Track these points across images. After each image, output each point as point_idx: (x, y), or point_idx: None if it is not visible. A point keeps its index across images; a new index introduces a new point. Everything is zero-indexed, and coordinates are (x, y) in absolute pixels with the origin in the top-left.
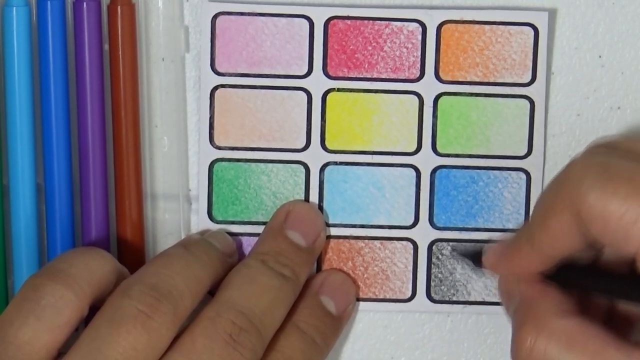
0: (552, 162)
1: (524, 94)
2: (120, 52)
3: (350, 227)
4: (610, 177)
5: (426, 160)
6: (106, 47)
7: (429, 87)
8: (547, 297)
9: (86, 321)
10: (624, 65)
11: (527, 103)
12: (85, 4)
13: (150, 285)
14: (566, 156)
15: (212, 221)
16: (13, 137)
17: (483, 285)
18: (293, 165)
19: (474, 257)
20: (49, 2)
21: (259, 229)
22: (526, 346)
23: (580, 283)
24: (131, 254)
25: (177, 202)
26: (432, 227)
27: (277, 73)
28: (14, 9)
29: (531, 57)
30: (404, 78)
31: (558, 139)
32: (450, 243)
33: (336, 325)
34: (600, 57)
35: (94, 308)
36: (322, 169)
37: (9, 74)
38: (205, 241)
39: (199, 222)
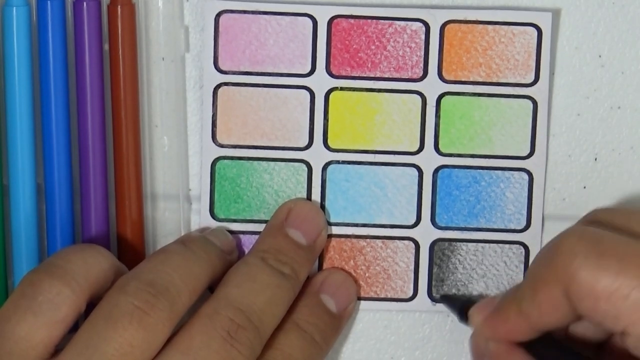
0: (552, 162)
1: (526, 94)
2: (120, 52)
3: (352, 226)
4: (601, 253)
5: (428, 160)
6: (106, 47)
7: (431, 86)
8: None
9: (85, 318)
10: (624, 65)
11: (529, 103)
12: (85, 4)
13: (147, 282)
14: (566, 156)
15: (214, 219)
16: (13, 137)
17: (484, 285)
18: (295, 164)
19: (460, 310)
20: (49, 2)
21: (261, 227)
22: None
23: (552, 355)
24: (131, 254)
25: (177, 202)
26: (434, 226)
27: (280, 71)
28: (14, 9)
29: (534, 58)
30: (406, 77)
31: (558, 139)
32: (441, 292)
33: (336, 324)
34: (600, 56)
35: (93, 305)
36: (324, 168)
37: (9, 74)
38: (204, 238)
39: (201, 219)
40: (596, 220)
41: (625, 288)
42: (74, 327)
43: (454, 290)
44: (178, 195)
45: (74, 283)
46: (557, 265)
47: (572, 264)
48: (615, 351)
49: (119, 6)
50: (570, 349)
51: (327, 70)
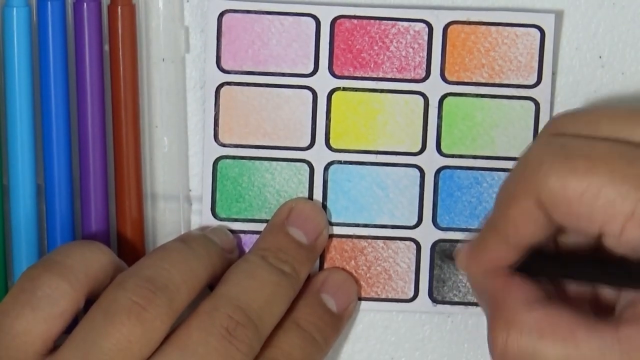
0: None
1: (529, 95)
2: (120, 53)
3: (353, 226)
4: (567, 156)
5: (430, 161)
6: (106, 47)
7: (434, 87)
8: (512, 290)
9: (84, 314)
10: (624, 66)
11: (532, 105)
12: (85, 4)
13: (146, 278)
14: None
15: (216, 218)
16: (13, 137)
17: None
18: (297, 164)
19: (450, 257)
20: (49, 2)
21: (262, 227)
22: (500, 343)
23: (549, 271)
24: (131, 254)
25: (177, 202)
26: (436, 227)
27: (282, 71)
28: (14, 9)
29: (537, 59)
30: (409, 78)
31: None
32: (442, 245)
33: (336, 323)
34: (600, 57)
35: (92, 301)
36: (326, 168)
37: (9, 74)
38: (205, 236)
39: (202, 219)
40: (559, 131)
41: (595, 186)
42: (73, 324)
43: (454, 292)
44: (178, 196)
45: (72, 278)
46: (526, 177)
47: (539, 171)
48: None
49: (119, 6)
50: (565, 258)
51: (329, 71)
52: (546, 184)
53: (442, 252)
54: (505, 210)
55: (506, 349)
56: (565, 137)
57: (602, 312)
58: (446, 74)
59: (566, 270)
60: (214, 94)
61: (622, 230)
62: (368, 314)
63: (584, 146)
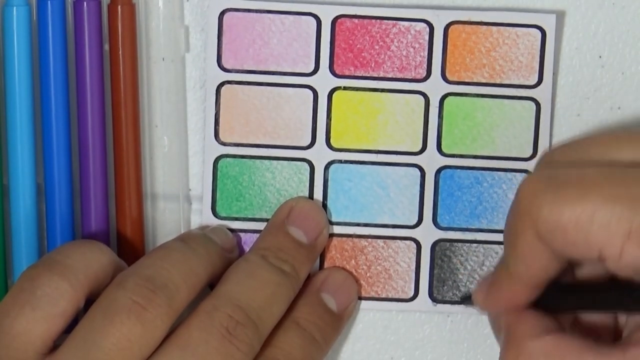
0: None
1: (530, 95)
2: (120, 52)
3: (353, 225)
4: (558, 186)
5: (431, 160)
6: (106, 47)
7: (435, 87)
8: (523, 322)
9: (84, 314)
10: (624, 66)
11: (533, 105)
12: (85, 4)
13: (146, 277)
14: None
15: (216, 217)
16: (13, 137)
17: None
18: (298, 163)
19: (470, 300)
20: (49, 2)
21: (262, 226)
22: None
23: (565, 306)
24: (131, 254)
25: (177, 202)
26: (436, 227)
27: (283, 70)
28: (14, 8)
29: (538, 59)
30: (410, 78)
31: (558, 139)
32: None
33: (337, 323)
34: (600, 57)
35: (92, 301)
36: (326, 167)
37: (9, 74)
38: (205, 236)
39: (203, 218)
40: (551, 161)
41: (589, 211)
42: (74, 324)
43: (455, 291)
44: (178, 195)
45: (72, 278)
46: (522, 213)
47: (533, 205)
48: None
49: (119, 6)
50: (578, 288)
51: (330, 70)
52: (541, 215)
53: (463, 296)
54: (512, 249)
55: None
56: (555, 169)
57: (617, 338)
58: (447, 74)
59: (580, 301)
60: (214, 92)
61: (621, 252)
62: (367, 314)
63: (574, 173)
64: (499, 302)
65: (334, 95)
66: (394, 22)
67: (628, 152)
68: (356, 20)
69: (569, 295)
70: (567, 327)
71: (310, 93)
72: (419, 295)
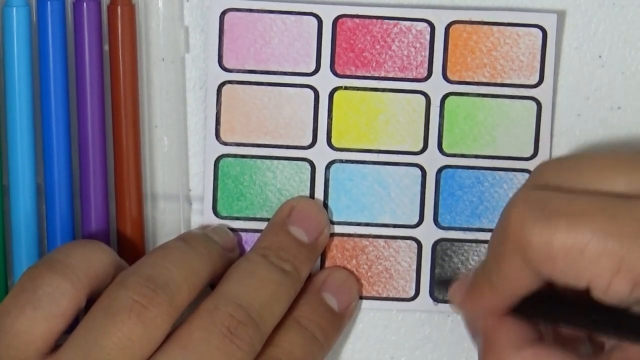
0: None
1: (531, 95)
2: (120, 53)
3: (354, 225)
4: (549, 215)
5: (432, 160)
6: (106, 47)
7: (436, 86)
8: (503, 332)
9: (85, 314)
10: (624, 66)
11: (534, 105)
12: (85, 4)
13: (147, 277)
14: None
15: (217, 217)
16: (13, 137)
17: None
18: (299, 163)
19: (447, 288)
20: (49, 2)
21: (263, 226)
22: None
23: (541, 315)
24: (131, 254)
25: (177, 202)
26: (437, 226)
27: (284, 70)
28: (14, 9)
29: (539, 59)
30: (411, 77)
31: (558, 139)
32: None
33: (338, 322)
34: (600, 57)
35: (93, 301)
36: (327, 167)
37: (9, 74)
38: (205, 235)
39: (204, 217)
40: (542, 182)
41: (579, 244)
42: (74, 323)
43: None
44: (178, 196)
45: (73, 277)
46: (510, 237)
47: (522, 232)
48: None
49: (119, 6)
50: (557, 301)
51: (331, 70)
52: (530, 243)
53: (439, 280)
54: (497, 268)
55: None
56: (545, 193)
57: (597, 349)
58: (448, 74)
59: (557, 316)
60: (215, 92)
61: (609, 285)
62: (368, 314)
63: (565, 203)
64: (478, 307)
65: (335, 95)
66: (395, 21)
67: (622, 181)
68: (357, 20)
69: (549, 308)
70: (547, 333)
71: (311, 93)
72: (419, 295)
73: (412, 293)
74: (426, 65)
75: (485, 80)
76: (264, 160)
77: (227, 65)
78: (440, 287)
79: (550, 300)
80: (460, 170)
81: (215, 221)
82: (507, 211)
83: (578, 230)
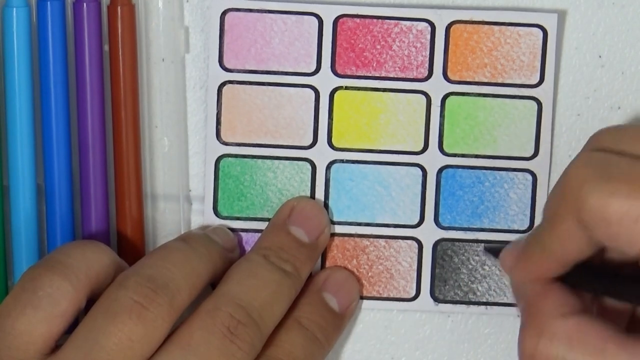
0: (552, 162)
1: (531, 95)
2: (120, 53)
3: (355, 225)
4: (608, 178)
5: (433, 160)
6: (106, 47)
7: (436, 86)
8: (549, 298)
9: (85, 314)
10: (624, 65)
11: (534, 104)
12: (85, 4)
13: (147, 277)
14: (566, 156)
15: (218, 217)
16: (13, 137)
17: (487, 286)
18: (299, 163)
19: (496, 256)
20: (49, 2)
21: (264, 226)
22: (529, 348)
23: (590, 286)
24: (131, 254)
25: (177, 202)
26: (438, 226)
27: (285, 70)
28: (14, 9)
29: (539, 59)
30: (412, 77)
31: (558, 139)
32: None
33: (338, 322)
34: (600, 57)
35: (93, 301)
36: (328, 167)
37: (9, 74)
38: (206, 235)
39: (204, 217)
40: (602, 147)
41: (635, 211)
42: (75, 324)
43: (456, 291)
44: (178, 196)
45: (74, 278)
46: (567, 196)
47: (580, 192)
48: None
49: (119, 7)
50: (607, 273)
51: (332, 69)
52: (586, 204)
53: (489, 249)
54: (551, 228)
55: (534, 356)
56: (607, 155)
57: (638, 328)
58: (449, 73)
59: (605, 287)
60: (216, 92)
61: None
62: (368, 314)
63: (626, 167)
64: (527, 272)
65: (335, 94)
66: (396, 21)
67: None
68: (358, 20)
69: (597, 279)
70: (591, 306)
71: (312, 93)
72: (420, 295)
73: (413, 293)
74: (427, 65)
75: (485, 80)
76: (265, 160)
77: (227, 65)
78: (488, 254)
79: (598, 272)
80: (460, 170)
81: (216, 221)
82: (567, 170)
83: (636, 197)
